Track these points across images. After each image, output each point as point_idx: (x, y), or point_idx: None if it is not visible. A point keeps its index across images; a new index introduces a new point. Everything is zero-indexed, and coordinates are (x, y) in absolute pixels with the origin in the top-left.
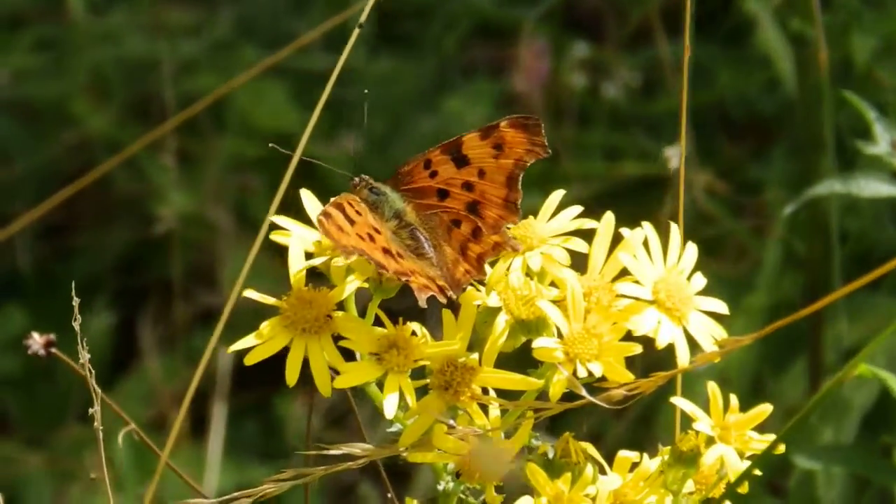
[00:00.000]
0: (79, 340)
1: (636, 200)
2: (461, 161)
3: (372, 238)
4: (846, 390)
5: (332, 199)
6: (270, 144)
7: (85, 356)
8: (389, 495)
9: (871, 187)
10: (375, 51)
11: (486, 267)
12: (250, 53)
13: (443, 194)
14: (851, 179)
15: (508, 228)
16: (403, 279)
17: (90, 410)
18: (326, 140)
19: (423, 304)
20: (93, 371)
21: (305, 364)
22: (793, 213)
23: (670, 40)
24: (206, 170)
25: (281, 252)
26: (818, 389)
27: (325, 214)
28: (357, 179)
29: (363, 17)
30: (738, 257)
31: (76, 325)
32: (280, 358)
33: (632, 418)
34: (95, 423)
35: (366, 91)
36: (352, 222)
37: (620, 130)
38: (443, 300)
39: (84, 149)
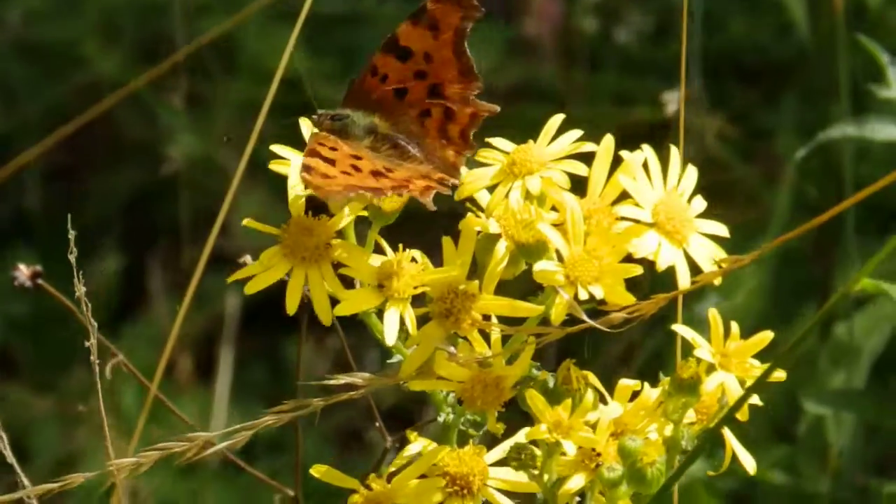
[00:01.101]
0: (77, 282)
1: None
2: (404, 54)
3: (357, 168)
4: (857, 336)
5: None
6: None
7: (84, 298)
8: (389, 442)
9: (885, 131)
10: None
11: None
12: None
13: (401, 93)
14: (865, 123)
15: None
16: (403, 192)
17: (91, 354)
18: (338, 84)
19: (430, 206)
20: (89, 304)
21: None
22: (804, 158)
23: None
24: (216, 113)
25: (285, 196)
26: (828, 338)
27: (306, 168)
28: (316, 117)
29: None
30: (748, 203)
31: (74, 259)
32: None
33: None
34: (105, 359)
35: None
36: (332, 162)
37: (632, 75)
38: (446, 191)
39: (94, 92)
